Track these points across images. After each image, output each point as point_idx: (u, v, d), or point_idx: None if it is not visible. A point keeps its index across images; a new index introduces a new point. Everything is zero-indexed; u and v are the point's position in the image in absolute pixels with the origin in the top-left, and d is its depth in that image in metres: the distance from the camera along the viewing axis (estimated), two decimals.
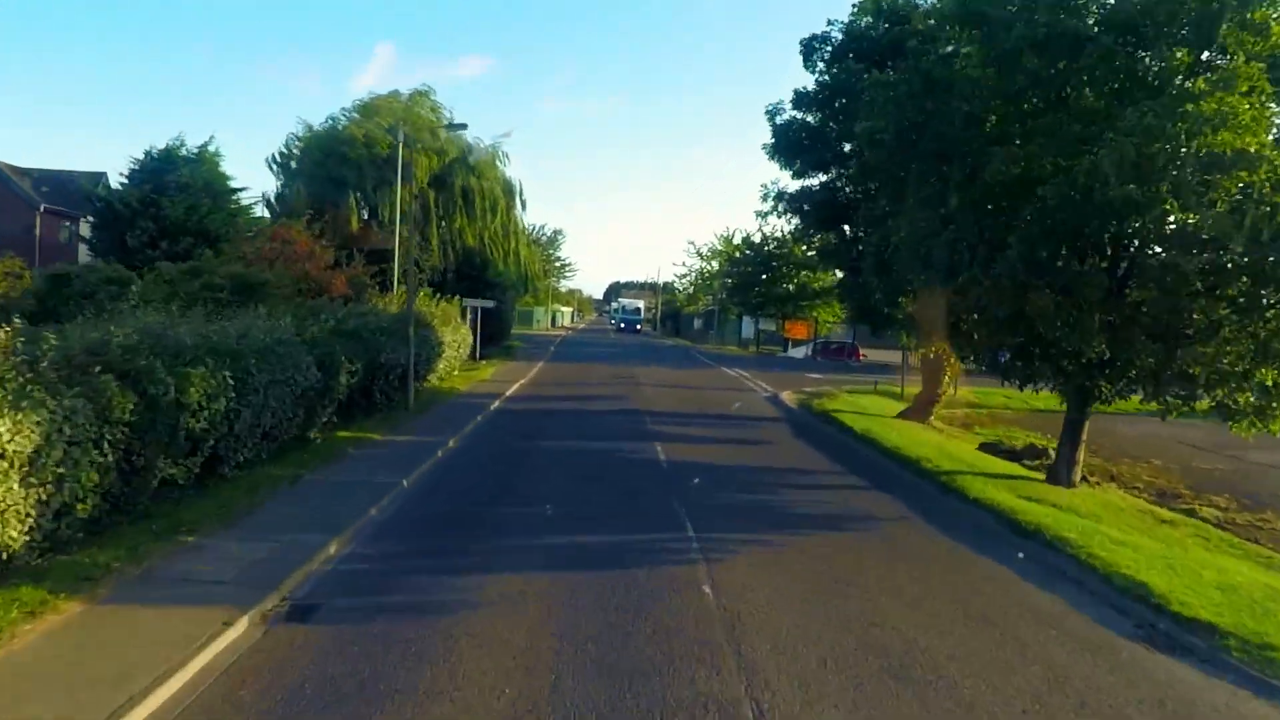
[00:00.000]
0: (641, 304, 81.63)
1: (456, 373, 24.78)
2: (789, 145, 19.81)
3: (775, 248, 48.29)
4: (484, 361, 31.66)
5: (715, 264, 56.98)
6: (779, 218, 20.96)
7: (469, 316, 31.99)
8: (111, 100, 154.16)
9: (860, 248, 18.86)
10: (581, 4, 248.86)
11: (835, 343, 47.51)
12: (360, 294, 22.00)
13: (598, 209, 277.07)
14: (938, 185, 12.51)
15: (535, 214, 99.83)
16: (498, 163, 37.70)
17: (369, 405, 14.97)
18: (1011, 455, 16.92)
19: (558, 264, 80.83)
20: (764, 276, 47.63)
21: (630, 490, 11.26)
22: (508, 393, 21.62)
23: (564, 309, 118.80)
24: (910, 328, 19.23)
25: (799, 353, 46.16)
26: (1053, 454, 14.51)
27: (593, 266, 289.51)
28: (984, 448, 17.71)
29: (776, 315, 48.34)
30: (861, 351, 46.73)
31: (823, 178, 20.28)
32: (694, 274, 59.76)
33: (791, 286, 47.23)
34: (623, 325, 76.42)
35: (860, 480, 13.11)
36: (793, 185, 20.99)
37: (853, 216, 19.18)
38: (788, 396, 24.43)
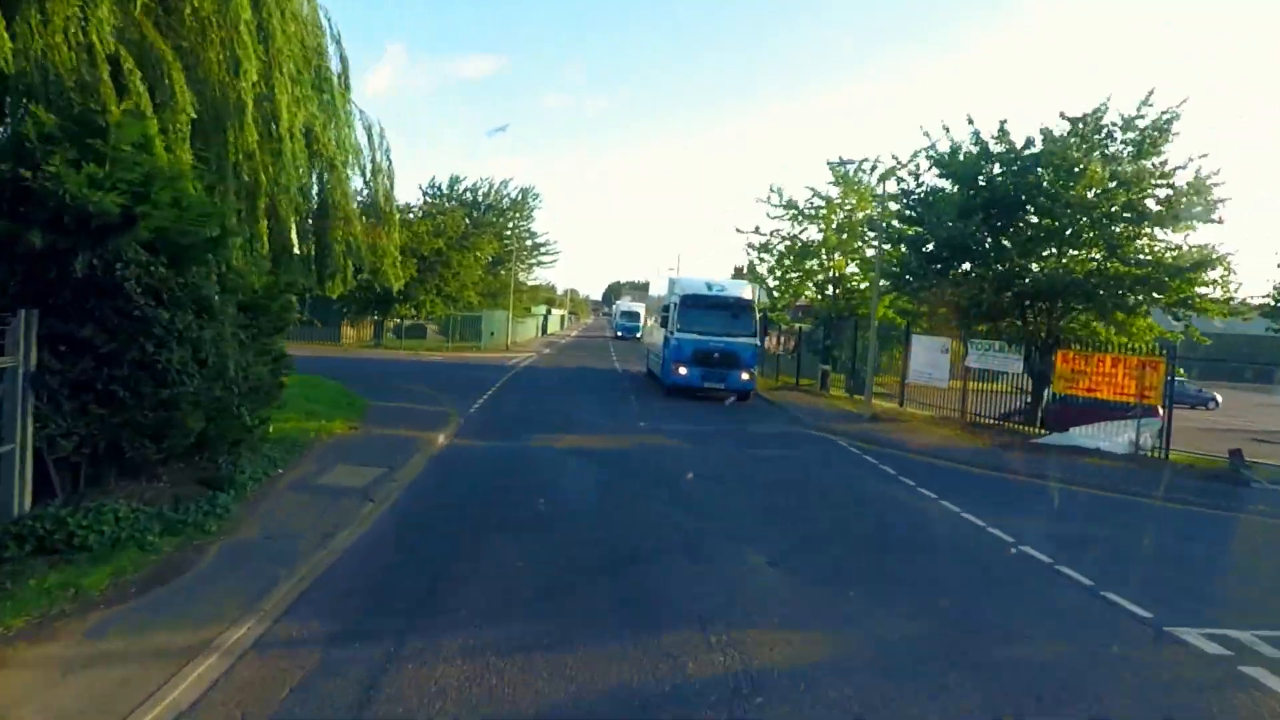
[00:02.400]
0: (749, 292, 24.50)
1: None
2: None
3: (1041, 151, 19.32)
4: None
5: (820, 227, 28.25)
6: None
7: None
8: None
9: None
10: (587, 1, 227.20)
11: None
12: None
13: (597, 210, 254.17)
14: None
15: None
16: None
17: None
18: None
19: (529, 243, 51.92)
20: (1008, 222, 18.59)
21: None
22: None
23: (555, 311, 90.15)
24: None
25: (1117, 440, 17.45)
26: None
27: (591, 267, 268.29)
28: None
29: (1035, 338, 19.57)
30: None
31: None
32: (776, 249, 30.35)
33: (1133, 245, 18.34)
34: (691, 367, 22.50)
35: None
36: None
37: None
38: None
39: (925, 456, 15.69)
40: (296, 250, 11.66)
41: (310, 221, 11.99)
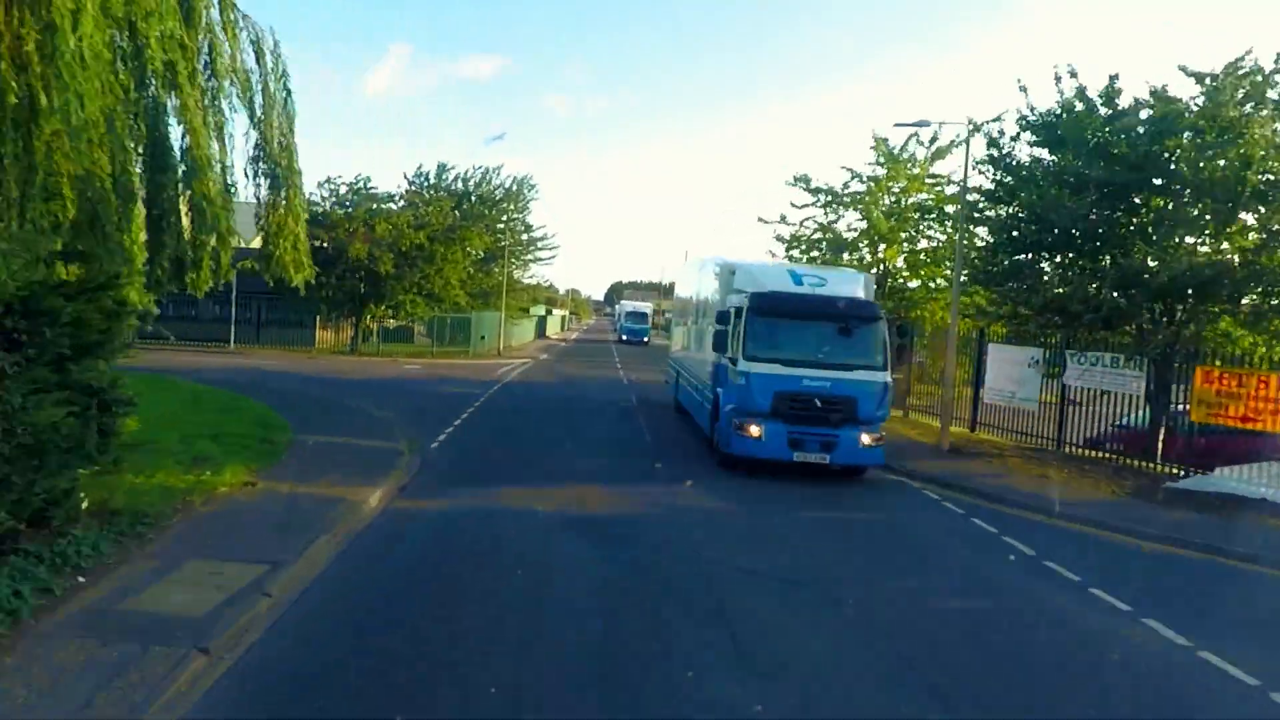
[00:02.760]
0: (864, 287, 14.05)
1: None
2: None
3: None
4: None
5: (860, 214, 23.79)
6: None
7: None
8: None
9: None
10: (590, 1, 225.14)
11: None
12: None
13: (598, 210, 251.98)
14: None
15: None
16: None
17: None
18: None
19: (524, 236, 47.66)
20: (1125, 200, 14.23)
21: None
22: None
23: (556, 312, 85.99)
24: None
25: None
26: None
27: (592, 268, 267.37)
28: None
29: (1155, 349, 15.13)
30: None
31: None
32: (808, 240, 25.84)
33: None
34: (772, 425, 12.35)
35: None
36: None
37: None
38: None
39: (1053, 518, 11.34)
40: (118, 227, 7.23)
41: (154, 177, 7.66)
